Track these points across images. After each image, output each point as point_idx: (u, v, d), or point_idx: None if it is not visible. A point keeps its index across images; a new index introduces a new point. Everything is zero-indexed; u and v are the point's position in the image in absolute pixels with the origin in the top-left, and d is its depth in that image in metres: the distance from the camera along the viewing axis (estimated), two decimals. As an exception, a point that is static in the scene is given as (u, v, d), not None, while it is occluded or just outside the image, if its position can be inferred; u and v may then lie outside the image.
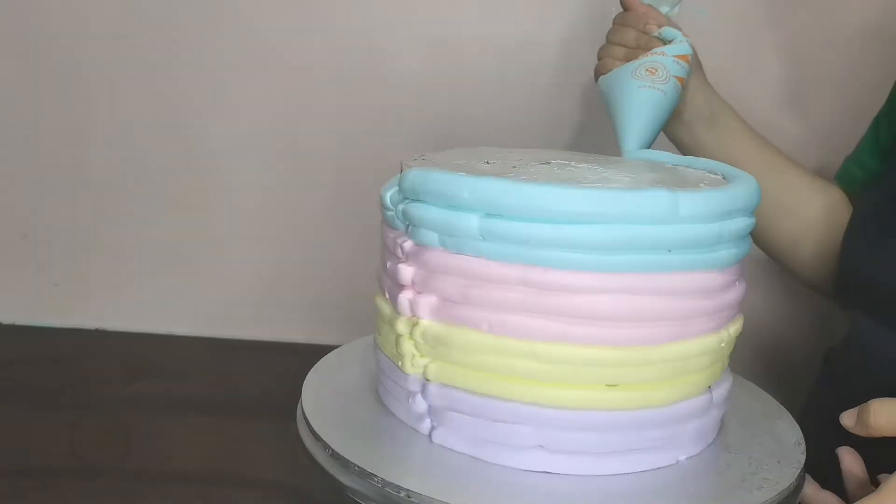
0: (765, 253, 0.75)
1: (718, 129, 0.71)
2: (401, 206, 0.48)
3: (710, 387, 0.48)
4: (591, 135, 0.89)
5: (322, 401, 0.52)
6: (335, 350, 0.60)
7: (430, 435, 0.48)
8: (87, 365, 0.86)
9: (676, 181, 0.50)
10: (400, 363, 0.49)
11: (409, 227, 0.48)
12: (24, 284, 0.93)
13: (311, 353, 0.58)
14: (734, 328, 0.49)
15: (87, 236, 0.92)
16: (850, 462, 0.50)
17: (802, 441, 0.51)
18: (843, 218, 0.69)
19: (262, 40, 0.88)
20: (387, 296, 0.51)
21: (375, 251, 0.53)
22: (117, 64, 0.88)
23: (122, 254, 0.93)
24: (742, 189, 0.47)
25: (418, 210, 0.47)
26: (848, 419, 0.48)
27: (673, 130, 0.71)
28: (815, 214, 0.71)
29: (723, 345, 0.48)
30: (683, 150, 0.72)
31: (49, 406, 0.77)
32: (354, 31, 0.88)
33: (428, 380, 0.47)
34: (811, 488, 0.49)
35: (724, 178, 0.53)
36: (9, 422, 0.73)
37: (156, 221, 0.92)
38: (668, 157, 0.59)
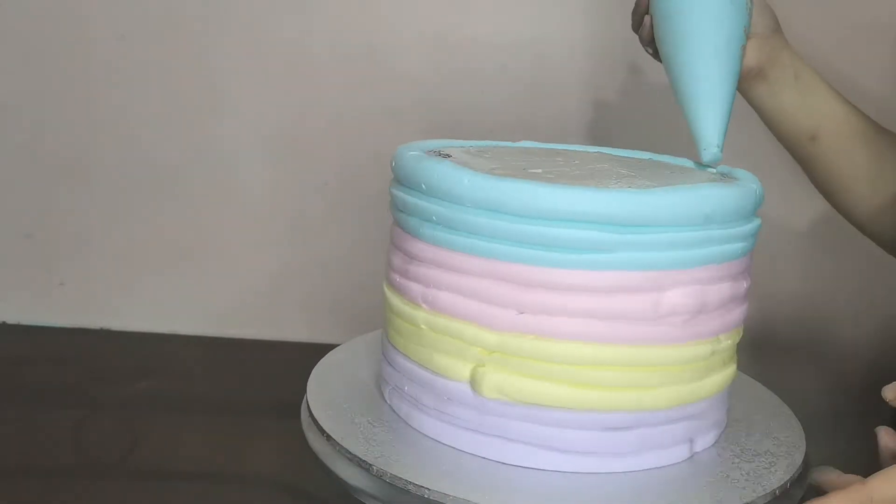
0: (848, 221, 0.70)
1: (804, 90, 0.66)
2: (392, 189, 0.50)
3: (711, 387, 0.48)
4: (597, 132, 0.88)
5: (327, 397, 0.52)
6: (339, 346, 0.60)
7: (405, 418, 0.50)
8: (92, 364, 0.87)
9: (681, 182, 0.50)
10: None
11: (393, 210, 0.50)
12: (29, 284, 0.93)
13: (316, 352, 0.58)
14: (733, 332, 0.49)
15: (92, 236, 0.92)
16: (887, 438, 0.46)
17: (803, 438, 0.51)
18: None
19: (266, 40, 0.88)
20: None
21: (379, 249, 0.53)
22: (122, 63, 0.89)
23: (126, 253, 0.93)
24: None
25: (395, 191, 0.49)
26: (892, 392, 0.43)
27: (754, 90, 0.65)
28: None
29: (721, 346, 0.48)
30: (763, 113, 0.67)
31: (54, 405, 0.77)
32: (358, 31, 0.88)
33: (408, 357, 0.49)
34: (833, 474, 0.46)
35: (723, 176, 0.52)
36: (14, 421, 0.73)
37: (161, 221, 0.92)
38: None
